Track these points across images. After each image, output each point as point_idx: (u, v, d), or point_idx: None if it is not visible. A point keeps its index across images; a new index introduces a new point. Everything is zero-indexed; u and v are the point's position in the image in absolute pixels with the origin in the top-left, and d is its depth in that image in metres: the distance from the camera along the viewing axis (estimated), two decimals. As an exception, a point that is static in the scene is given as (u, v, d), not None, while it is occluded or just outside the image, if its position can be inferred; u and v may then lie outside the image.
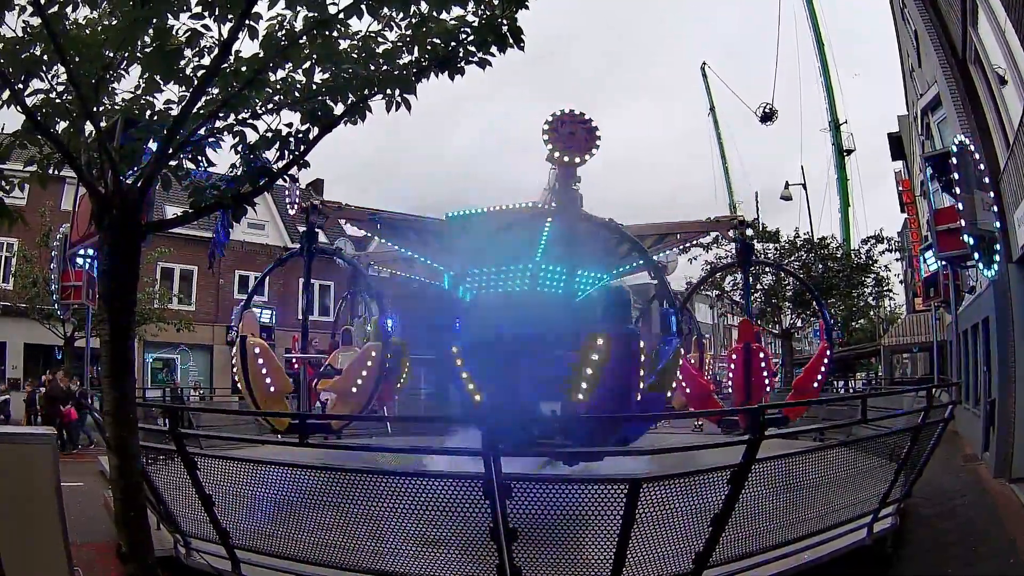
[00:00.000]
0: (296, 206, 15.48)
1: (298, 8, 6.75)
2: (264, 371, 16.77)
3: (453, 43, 7.21)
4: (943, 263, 21.29)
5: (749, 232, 19.13)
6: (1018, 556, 10.68)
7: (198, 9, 6.55)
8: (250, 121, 7.43)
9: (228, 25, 6.58)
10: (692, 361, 20.60)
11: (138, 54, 7.03)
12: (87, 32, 6.95)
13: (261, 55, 6.93)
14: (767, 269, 51.12)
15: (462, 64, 7.32)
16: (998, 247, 16.32)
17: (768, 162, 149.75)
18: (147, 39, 6.90)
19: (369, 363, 17.41)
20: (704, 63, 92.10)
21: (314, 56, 7.18)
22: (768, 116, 77.70)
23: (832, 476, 9.85)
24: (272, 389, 16.84)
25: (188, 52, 6.91)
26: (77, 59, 6.85)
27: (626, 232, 16.07)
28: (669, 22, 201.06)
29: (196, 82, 6.86)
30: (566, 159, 13.87)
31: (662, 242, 18.48)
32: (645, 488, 7.43)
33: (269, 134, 7.46)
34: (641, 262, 17.03)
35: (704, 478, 8.09)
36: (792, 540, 9.09)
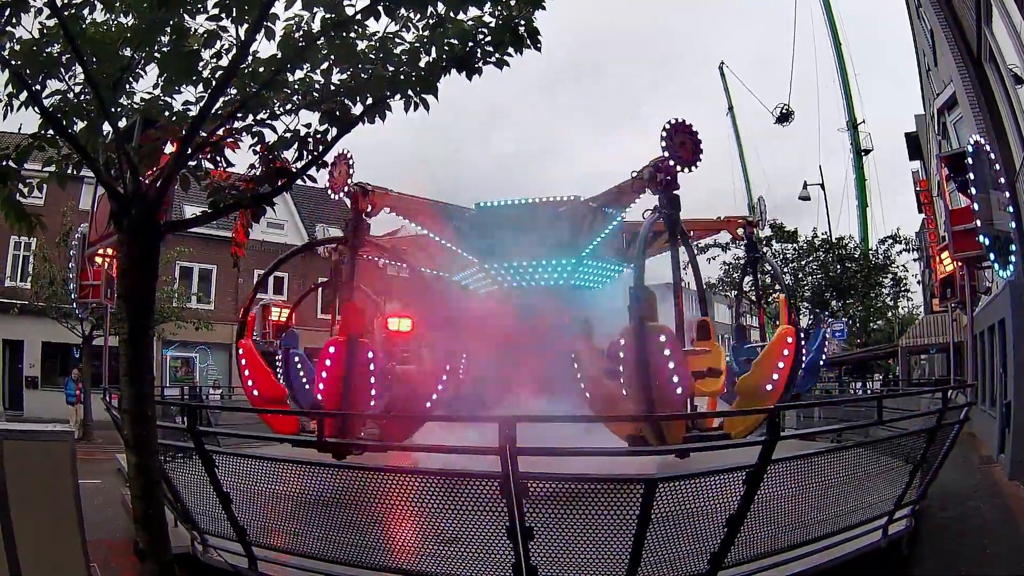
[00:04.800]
0: (344, 186, 15.31)
1: (315, 9, 6.79)
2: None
3: (470, 43, 7.23)
4: (959, 264, 21.20)
5: (767, 235, 19.24)
6: (1034, 558, 10.68)
7: (215, 11, 6.60)
8: (268, 121, 7.47)
9: (245, 26, 6.62)
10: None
11: (156, 54, 7.07)
12: (104, 32, 6.98)
13: (279, 56, 6.97)
14: (784, 270, 51.15)
15: (479, 64, 7.35)
16: (1014, 248, 16.27)
17: (790, 170, 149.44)
18: (164, 40, 6.95)
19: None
20: (722, 63, 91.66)
21: (332, 57, 7.21)
22: (784, 117, 77.39)
23: (847, 477, 9.83)
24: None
25: (206, 53, 6.95)
26: (95, 59, 6.90)
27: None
28: (711, 33, 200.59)
29: (214, 83, 6.90)
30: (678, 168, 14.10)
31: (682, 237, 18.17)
32: (661, 488, 7.45)
33: (288, 134, 7.50)
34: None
35: (719, 479, 8.10)
36: (807, 541, 9.06)
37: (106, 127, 7.19)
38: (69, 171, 7.38)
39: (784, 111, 77.44)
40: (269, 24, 6.63)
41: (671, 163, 14.36)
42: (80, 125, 7.22)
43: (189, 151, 7.06)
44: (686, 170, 14.49)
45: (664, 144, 14.29)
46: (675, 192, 14.85)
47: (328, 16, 6.80)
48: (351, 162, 15.51)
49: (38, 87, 6.93)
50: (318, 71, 7.32)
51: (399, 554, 8.61)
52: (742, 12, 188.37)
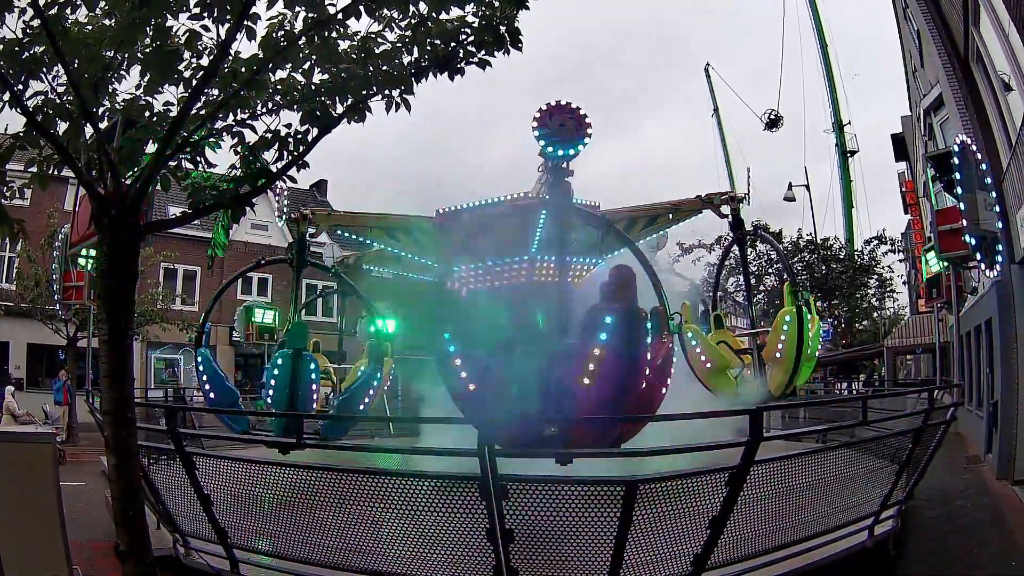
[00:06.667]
0: (285, 215, 15.45)
1: (297, 9, 6.76)
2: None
3: (452, 43, 7.22)
4: (945, 264, 21.26)
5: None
6: (1021, 559, 10.66)
7: (196, 10, 6.56)
8: (249, 122, 7.45)
9: (227, 26, 6.59)
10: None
11: (138, 55, 7.04)
12: (86, 32, 6.95)
13: (260, 56, 6.95)
14: (770, 271, 51.28)
15: (462, 65, 7.33)
16: (1000, 248, 16.31)
17: (779, 174, 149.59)
18: (146, 40, 6.91)
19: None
20: (708, 64, 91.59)
21: (313, 57, 7.19)
22: (773, 123, 77.39)
23: (832, 478, 9.83)
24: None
25: (187, 53, 6.91)
26: (76, 60, 6.86)
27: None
28: (700, 39, 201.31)
29: (195, 83, 6.87)
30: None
31: (653, 224, 18.48)
32: (642, 489, 7.43)
33: (268, 135, 7.48)
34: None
35: (702, 480, 8.08)
36: (792, 542, 9.07)
37: (88, 128, 7.14)
38: (51, 172, 7.33)
39: (773, 117, 77.44)
40: (250, 24, 6.60)
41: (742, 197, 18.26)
42: (62, 126, 7.18)
43: (169, 151, 7.01)
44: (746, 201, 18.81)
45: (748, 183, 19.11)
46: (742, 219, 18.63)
47: (310, 16, 6.77)
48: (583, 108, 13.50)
49: (20, 88, 6.88)
50: (299, 71, 7.29)
51: (379, 557, 8.57)
52: (731, 16, 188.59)
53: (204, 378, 18.49)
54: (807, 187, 65.52)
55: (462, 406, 11.79)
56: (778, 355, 18.12)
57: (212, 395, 18.36)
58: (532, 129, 13.04)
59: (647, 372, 11.53)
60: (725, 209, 18.43)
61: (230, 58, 6.94)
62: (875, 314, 63.82)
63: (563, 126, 13.14)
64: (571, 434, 10.82)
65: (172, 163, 7.35)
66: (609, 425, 11.01)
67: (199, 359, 18.76)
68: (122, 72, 7.32)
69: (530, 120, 13.07)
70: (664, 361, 12.32)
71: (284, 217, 15.77)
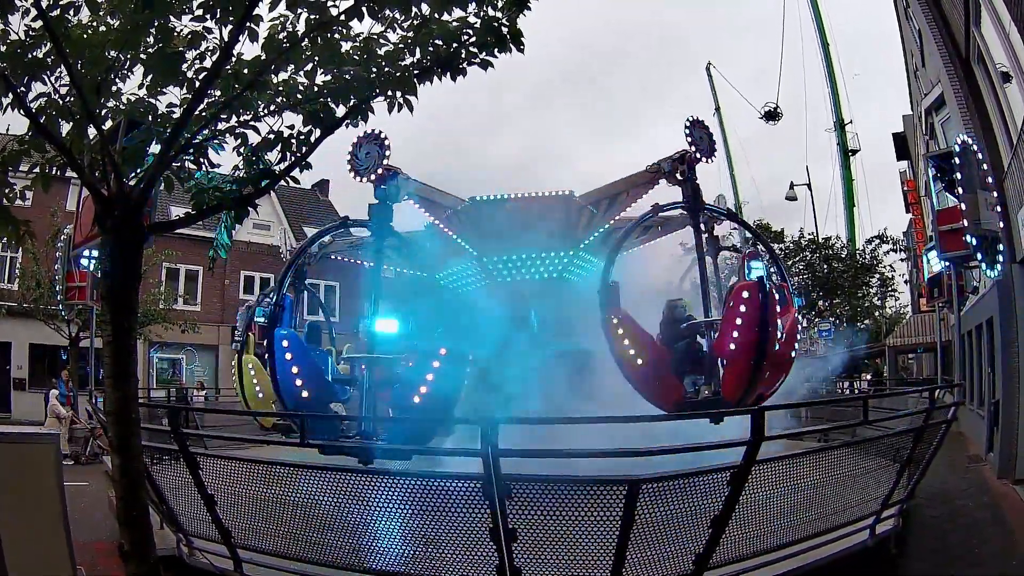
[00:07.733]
0: (380, 169, 14.03)
1: (299, 10, 6.77)
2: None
3: (455, 44, 7.22)
4: (946, 263, 21.25)
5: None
6: (1022, 558, 10.67)
7: (199, 12, 6.57)
8: (252, 123, 7.46)
9: (229, 28, 6.60)
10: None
11: (141, 56, 7.05)
12: (89, 34, 6.96)
13: (263, 57, 6.96)
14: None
15: (464, 65, 7.34)
16: (1001, 247, 16.29)
17: (783, 174, 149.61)
18: (149, 41, 6.92)
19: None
20: (709, 63, 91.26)
21: (315, 58, 7.20)
22: (771, 115, 77.17)
23: (834, 477, 9.84)
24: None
25: (190, 54, 6.93)
26: (79, 62, 6.87)
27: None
28: (706, 41, 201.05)
29: (198, 84, 6.88)
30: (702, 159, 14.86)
31: (615, 206, 17.77)
32: (644, 489, 7.43)
33: (271, 136, 7.49)
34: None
35: (704, 479, 8.09)
36: (793, 541, 9.07)
37: (91, 129, 7.15)
38: (53, 172, 7.34)
39: (772, 109, 77.25)
40: (253, 25, 6.61)
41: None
42: (65, 127, 7.19)
43: (173, 152, 7.02)
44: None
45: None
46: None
47: (312, 17, 6.78)
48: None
49: (23, 89, 6.89)
50: (301, 72, 7.31)
51: (382, 556, 8.58)
52: (731, 15, 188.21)
53: (294, 369, 13.39)
54: (808, 186, 65.42)
55: (631, 381, 13.21)
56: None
57: (304, 393, 13.31)
58: (684, 136, 14.62)
59: (780, 337, 13.07)
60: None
61: (233, 60, 6.96)
62: (876, 313, 63.72)
63: (702, 139, 14.77)
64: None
65: (176, 164, 7.37)
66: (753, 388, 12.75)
67: (285, 342, 13.61)
68: (125, 73, 7.33)
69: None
70: (791, 327, 13.94)
71: (370, 173, 14.22)
